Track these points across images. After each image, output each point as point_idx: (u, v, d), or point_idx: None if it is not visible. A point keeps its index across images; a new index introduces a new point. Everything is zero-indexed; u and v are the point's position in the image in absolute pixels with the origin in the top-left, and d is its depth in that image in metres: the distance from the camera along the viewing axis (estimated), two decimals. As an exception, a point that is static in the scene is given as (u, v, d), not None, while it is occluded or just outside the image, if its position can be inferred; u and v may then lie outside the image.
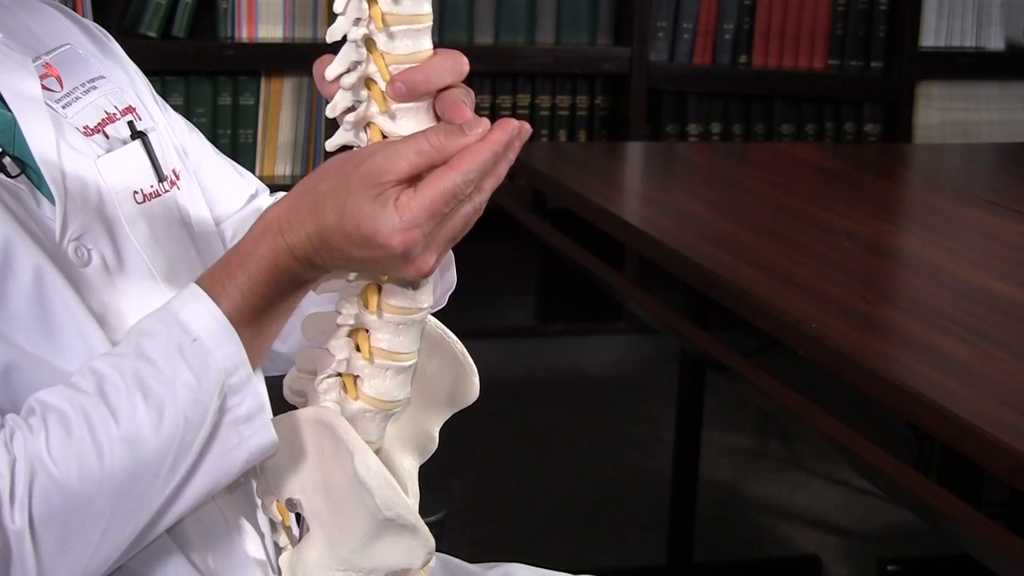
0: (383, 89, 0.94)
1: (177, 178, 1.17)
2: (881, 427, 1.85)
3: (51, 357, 0.99)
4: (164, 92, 3.30)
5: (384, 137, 0.95)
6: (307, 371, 1.03)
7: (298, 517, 1.04)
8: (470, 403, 1.08)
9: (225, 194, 1.27)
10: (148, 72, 1.26)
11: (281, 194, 1.33)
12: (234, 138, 3.46)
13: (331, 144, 0.99)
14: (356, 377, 1.00)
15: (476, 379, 1.07)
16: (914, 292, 1.87)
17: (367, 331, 0.99)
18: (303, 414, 1.01)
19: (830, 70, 3.77)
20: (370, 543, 0.96)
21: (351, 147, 0.97)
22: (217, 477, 0.98)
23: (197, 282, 0.97)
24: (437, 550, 1.34)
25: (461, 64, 0.96)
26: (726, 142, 3.74)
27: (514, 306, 3.89)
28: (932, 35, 3.85)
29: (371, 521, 0.95)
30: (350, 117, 0.96)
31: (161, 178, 1.14)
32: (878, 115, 3.80)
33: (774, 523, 2.96)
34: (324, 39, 3.44)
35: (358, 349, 0.99)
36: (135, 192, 1.11)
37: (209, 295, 0.96)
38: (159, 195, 1.13)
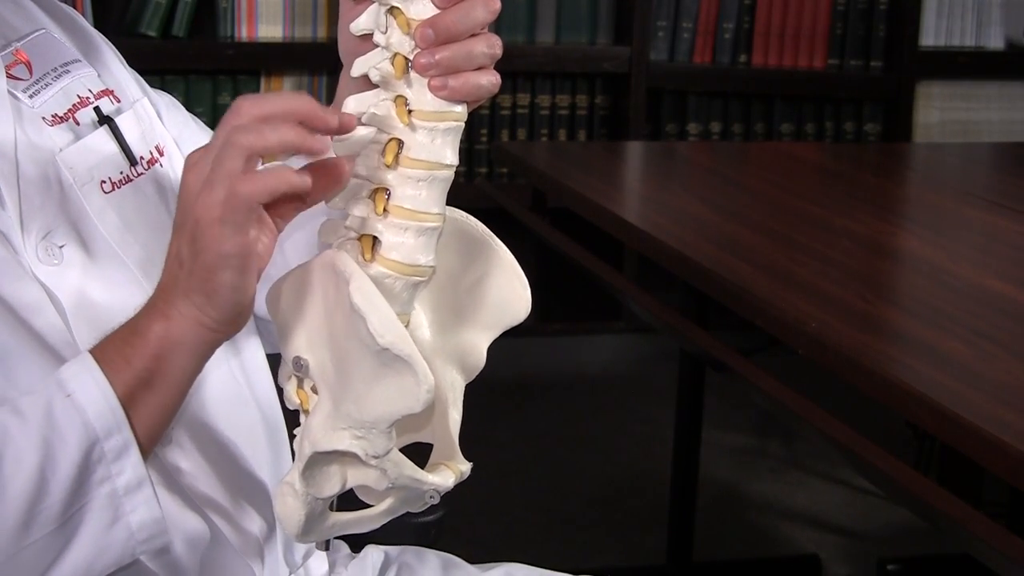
0: None
1: (161, 154, 1.14)
2: (881, 427, 1.84)
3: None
4: (164, 91, 3.29)
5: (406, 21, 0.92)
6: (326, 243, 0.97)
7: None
8: (520, 320, 1.02)
9: None
10: (148, 71, 1.25)
11: None
12: (234, 138, 3.45)
13: (356, 27, 0.95)
14: (374, 239, 0.93)
15: (528, 293, 1.01)
16: (914, 292, 1.87)
17: (386, 190, 0.93)
18: (308, 263, 0.94)
19: (830, 70, 3.77)
20: (369, 390, 0.90)
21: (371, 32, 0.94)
22: (94, 554, 0.91)
23: (90, 350, 0.93)
24: (437, 549, 1.34)
25: (492, 4, 0.93)
26: (726, 142, 3.74)
27: (514, 305, 3.88)
28: (932, 35, 3.85)
29: (367, 357, 0.89)
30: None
31: (133, 162, 1.11)
32: (878, 115, 3.80)
33: (774, 522, 2.95)
34: (324, 39, 3.46)
35: (376, 211, 0.93)
36: (103, 182, 1.08)
37: (96, 359, 0.92)
38: (130, 180, 1.11)
